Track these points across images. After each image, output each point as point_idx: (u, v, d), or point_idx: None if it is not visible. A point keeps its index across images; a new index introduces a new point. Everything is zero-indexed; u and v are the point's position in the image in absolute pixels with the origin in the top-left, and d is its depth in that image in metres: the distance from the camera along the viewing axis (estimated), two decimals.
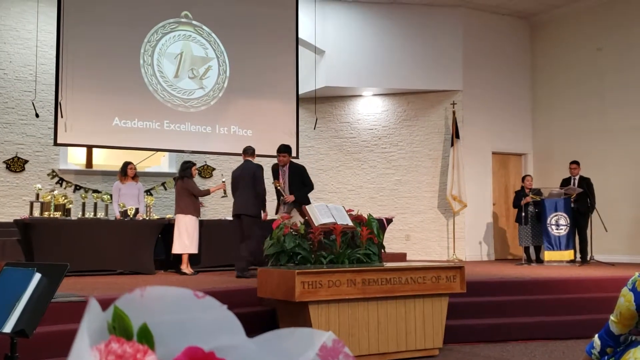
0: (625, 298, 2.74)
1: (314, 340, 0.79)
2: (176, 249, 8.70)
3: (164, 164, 12.07)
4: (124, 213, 8.98)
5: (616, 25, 11.64)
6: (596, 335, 2.92)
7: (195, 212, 8.81)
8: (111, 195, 9.43)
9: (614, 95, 11.59)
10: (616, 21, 11.65)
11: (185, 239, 8.63)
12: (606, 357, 2.84)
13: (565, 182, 10.76)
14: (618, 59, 11.58)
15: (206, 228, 9.18)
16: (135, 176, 9.50)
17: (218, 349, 0.69)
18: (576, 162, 10.71)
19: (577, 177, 10.66)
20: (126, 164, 9.47)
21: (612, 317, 2.82)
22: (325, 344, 0.79)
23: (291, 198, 7.97)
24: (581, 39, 12.23)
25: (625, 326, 2.77)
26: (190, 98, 10.53)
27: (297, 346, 0.77)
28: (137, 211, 9.09)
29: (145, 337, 0.71)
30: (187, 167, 8.88)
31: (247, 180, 8.11)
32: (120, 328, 0.70)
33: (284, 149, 8.31)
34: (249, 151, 8.44)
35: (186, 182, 8.81)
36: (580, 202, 10.40)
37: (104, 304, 0.74)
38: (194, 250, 8.76)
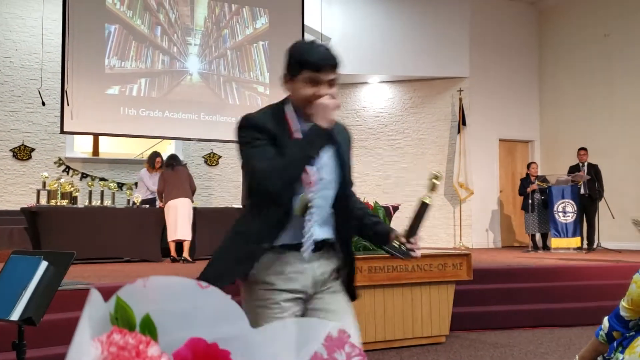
0: (637, 284, 2.73)
1: (319, 331, 0.78)
2: (186, 235, 8.55)
3: (170, 151, 12.07)
4: (132, 202, 8.97)
5: (624, 11, 11.53)
6: (605, 318, 2.90)
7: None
8: (119, 184, 9.36)
9: (622, 82, 11.50)
10: (624, 7, 11.54)
11: (189, 225, 8.58)
12: (615, 343, 2.83)
13: (573, 169, 10.70)
14: (626, 45, 11.48)
15: (205, 216, 9.18)
16: (161, 167, 9.17)
17: (221, 340, 0.68)
18: (585, 149, 10.65)
19: (585, 164, 10.59)
20: (154, 156, 9.28)
21: (622, 302, 2.80)
22: (330, 334, 0.78)
23: None
24: (589, 24, 12.13)
25: (635, 312, 2.75)
26: None
27: (301, 336, 0.76)
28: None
29: (148, 328, 0.70)
30: (176, 157, 9.00)
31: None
32: (122, 319, 0.69)
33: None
34: None
35: (187, 169, 8.87)
36: (590, 188, 10.35)
37: (111, 291, 0.73)
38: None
